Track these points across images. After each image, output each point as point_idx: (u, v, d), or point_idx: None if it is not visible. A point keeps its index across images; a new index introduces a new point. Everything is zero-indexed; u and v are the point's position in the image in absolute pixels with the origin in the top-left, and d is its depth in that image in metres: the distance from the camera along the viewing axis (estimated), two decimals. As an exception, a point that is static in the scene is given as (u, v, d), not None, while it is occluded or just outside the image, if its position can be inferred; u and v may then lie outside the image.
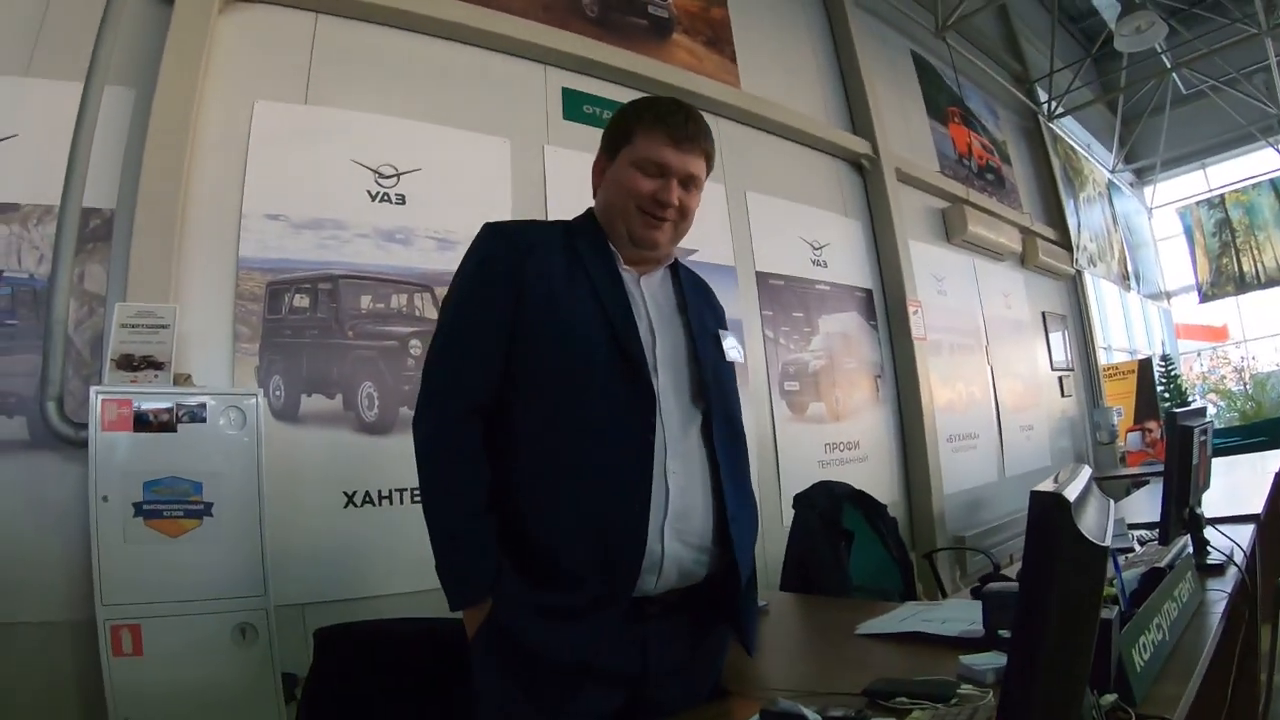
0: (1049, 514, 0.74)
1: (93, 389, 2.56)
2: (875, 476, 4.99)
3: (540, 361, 1.43)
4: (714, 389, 1.51)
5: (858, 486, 3.27)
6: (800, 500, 3.07)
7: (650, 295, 1.54)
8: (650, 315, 1.51)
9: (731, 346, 1.61)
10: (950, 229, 6.39)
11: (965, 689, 1.34)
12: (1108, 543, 0.82)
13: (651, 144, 1.48)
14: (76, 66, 2.91)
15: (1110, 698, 0.94)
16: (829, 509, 3.00)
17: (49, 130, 2.90)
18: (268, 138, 3.22)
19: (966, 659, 1.45)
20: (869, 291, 5.47)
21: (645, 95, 1.59)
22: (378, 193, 3.39)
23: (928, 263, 5.96)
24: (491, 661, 1.40)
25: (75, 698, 2.63)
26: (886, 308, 5.55)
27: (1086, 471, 0.88)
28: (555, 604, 1.36)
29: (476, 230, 1.54)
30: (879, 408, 5.35)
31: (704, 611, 1.48)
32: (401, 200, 3.41)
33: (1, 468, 2.72)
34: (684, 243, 1.65)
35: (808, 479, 3.31)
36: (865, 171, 5.63)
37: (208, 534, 2.53)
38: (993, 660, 1.39)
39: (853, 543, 2.97)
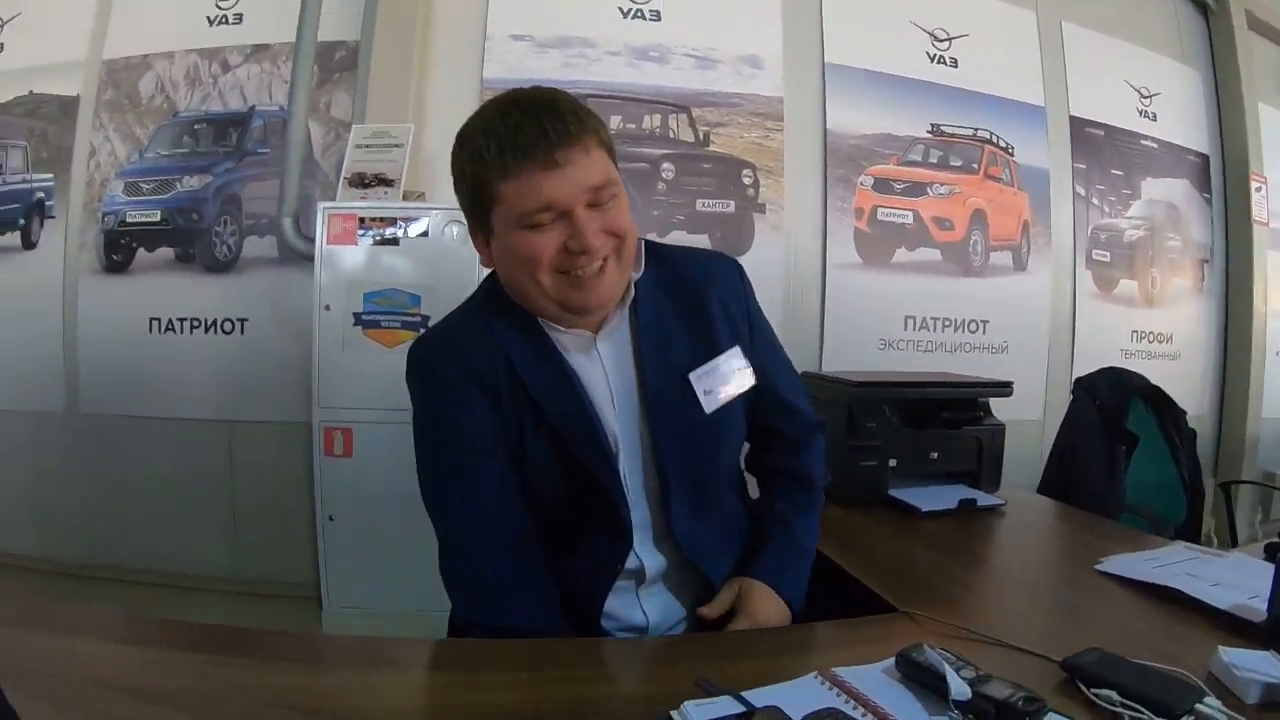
0: None
1: (320, 204, 2.72)
2: (1184, 380, 4.26)
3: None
4: (672, 456, 1.22)
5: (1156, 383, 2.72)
6: (1080, 385, 2.63)
7: (614, 361, 1.22)
8: (615, 394, 1.21)
9: (708, 387, 1.24)
10: (1314, 95, 5.25)
11: (1208, 704, 0.88)
12: None
13: (522, 189, 1.07)
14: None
15: None
16: (1113, 402, 2.55)
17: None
18: (513, -47, 3.22)
19: (1228, 653, 1.00)
20: (1205, 158, 4.60)
21: (473, 114, 1.15)
22: (630, 9, 3.28)
23: (1280, 133, 4.95)
24: None
25: (290, 494, 3.00)
26: (1225, 180, 4.65)
27: None
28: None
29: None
30: (1201, 299, 4.57)
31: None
32: (656, 16, 3.28)
33: (253, 284, 3.09)
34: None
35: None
36: (1209, 11, 4.65)
37: (423, 346, 2.67)
38: (1265, 665, 0.97)
39: (1134, 450, 2.52)
